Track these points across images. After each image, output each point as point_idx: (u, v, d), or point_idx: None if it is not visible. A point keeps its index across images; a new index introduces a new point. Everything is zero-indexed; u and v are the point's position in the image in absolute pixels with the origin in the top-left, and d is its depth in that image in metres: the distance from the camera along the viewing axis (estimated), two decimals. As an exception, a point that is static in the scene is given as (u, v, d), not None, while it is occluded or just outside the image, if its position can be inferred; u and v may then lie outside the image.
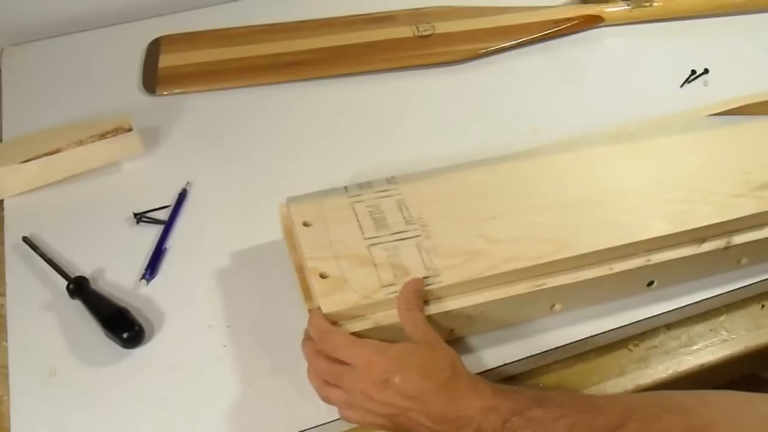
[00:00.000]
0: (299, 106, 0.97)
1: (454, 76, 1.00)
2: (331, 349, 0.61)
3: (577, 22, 1.04)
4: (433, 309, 0.65)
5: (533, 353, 0.69)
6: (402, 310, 0.63)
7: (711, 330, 0.74)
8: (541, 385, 0.68)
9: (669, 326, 0.74)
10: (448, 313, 0.66)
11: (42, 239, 0.79)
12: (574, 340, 0.69)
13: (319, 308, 0.63)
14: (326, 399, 0.63)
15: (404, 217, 0.72)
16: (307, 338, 0.65)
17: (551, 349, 0.69)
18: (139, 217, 0.81)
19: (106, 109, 0.94)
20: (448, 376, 0.58)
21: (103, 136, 0.85)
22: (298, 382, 0.66)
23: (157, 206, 0.82)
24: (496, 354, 0.68)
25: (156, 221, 0.81)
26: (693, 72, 0.98)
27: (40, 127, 0.90)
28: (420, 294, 0.64)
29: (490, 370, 0.68)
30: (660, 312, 0.72)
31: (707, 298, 0.73)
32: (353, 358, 0.60)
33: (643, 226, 0.70)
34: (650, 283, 0.72)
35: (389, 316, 0.65)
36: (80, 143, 0.84)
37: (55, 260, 0.76)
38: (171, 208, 0.82)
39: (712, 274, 0.74)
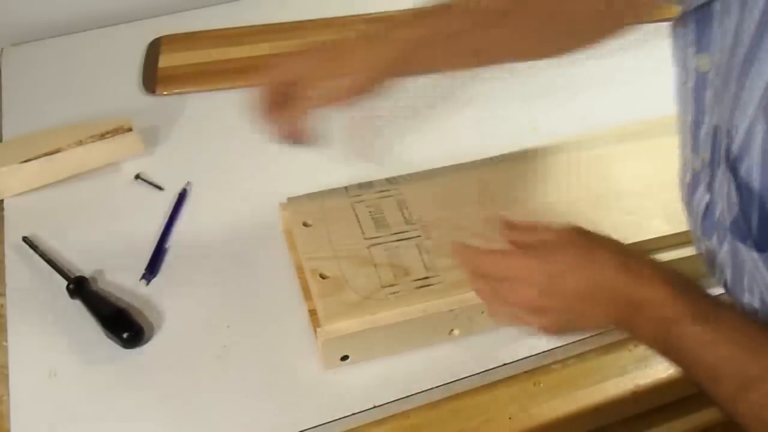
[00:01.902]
0: (299, 106, 0.97)
1: (454, 76, 1.00)
2: (491, 269, 0.58)
3: (577, 22, 1.04)
4: (433, 309, 0.65)
5: (533, 353, 0.69)
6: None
7: (711, 330, 0.74)
8: (541, 384, 0.69)
9: (669, 326, 0.74)
10: (448, 313, 0.66)
11: (42, 239, 0.79)
12: (574, 340, 0.69)
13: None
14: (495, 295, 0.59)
15: (404, 217, 0.72)
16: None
17: (551, 349, 0.69)
18: (138, 176, 0.83)
19: (106, 109, 0.94)
20: (623, 256, 0.54)
21: (103, 136, 0.85)
22: (298, 382, 0.66)
23: (157, 206, 0.83)
24: (496, 354, 0.68)
25: (154, 185, 0.82)
26: (693, 72, 0.98)
27: (40, 127, 0.90)
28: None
29: (489, 370, 0.68)
30: (660, 312, 0.72)
31: (707, 298, 0.73)
32: (509, 272, 0.57)
33: (643, 226, 0.71)
34: (650, 283, 0.72)
35: (390, 316, 0.65)
36: (80, 143, 0.84)
37: (55, 260, 0.76)
38: (171, 208, 0.82)
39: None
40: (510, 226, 0.61)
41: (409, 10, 0.62)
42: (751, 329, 0.51)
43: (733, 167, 0.47)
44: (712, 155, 0.50)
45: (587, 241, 0.57)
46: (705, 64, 0.48)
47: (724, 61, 0.45)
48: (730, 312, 0.52)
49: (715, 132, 0.49)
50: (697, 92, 0.50)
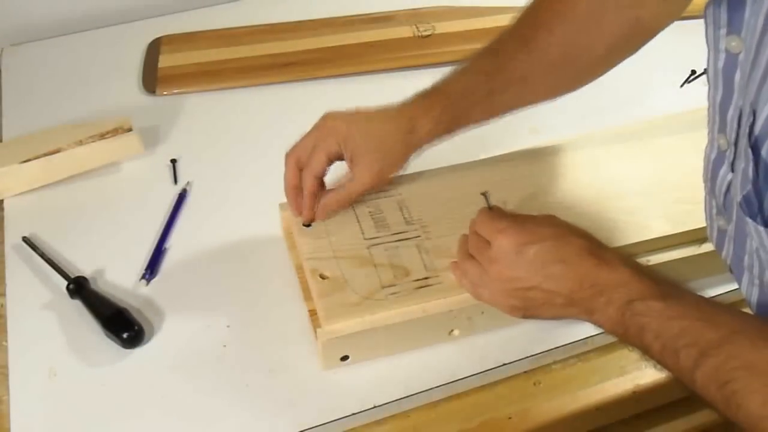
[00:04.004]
0: (299, 106, 0.97)
1: (454, 76, 1.00)
2: (478, 225, 0.62)
3: (577, 22, 1.04)
4: (433, 309, 0.65)
5: (533, 353, 0.69)
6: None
7: (711, 330, 0.74)
8: (541, 384, 0.69)
9: (669, 326, 0.74)
10: (448, 313, 0.66)
11: (42, 239, 0.79)
12: (574, 340, 0.69)
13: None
14: (463, 272, 0.63)
15: (404, 218, 0.72)
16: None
17: (551, 349, 0.69)
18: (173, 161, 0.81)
19: (106, 109, 0.94)
20: (592, 243, 0.58)
21: (103, 136, 0.85)
22: (298, 382, 0.66)
23: (156, 206, 0.83)
24: (496, 354, 0.68)
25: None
26: (693, 72, 0.98)
27: (40, 127, 0.90)
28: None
29: (489, 370, 0.68)
30: (660, 312, 0.72)
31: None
32: (488, 232, 0.60)
33: (643, 226, 0.71)
34: (650, 283, 0.72)
35: (390, 316, 0.65)
36: (80, 143, 0.84)
37: (55, 260, 0.76)
38: (171, 208, 0.82)
39: (712, 274, 0.74)
40: (498, 208, 0.65)
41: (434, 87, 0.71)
42: (709, 305, 0.53)
43: (754, 147, 0.48)
44: (738, 135, 0.51)
45: (562, 224, 0.61)
46: (736, 46, 0.49)
47: (755, 43, 0.46)
48: (689, 293, 0.54)
49: (741, 112, 0.49)
50: (726, 73, 0.51)
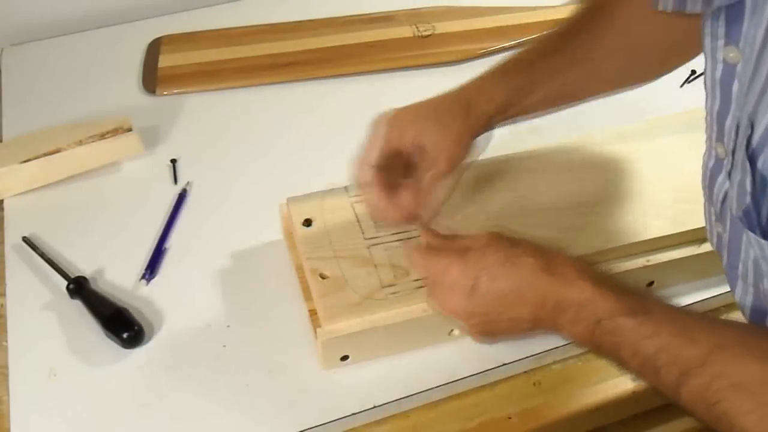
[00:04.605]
0: (299, 106, 0.97)
1: (454, 76, 0.99)
2: (417, 265, 0.60)
3: (577, 22, 1.04)
4: (433, 309, 0.65)
5: (533, 353, 0.69)
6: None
7: (711, 330, 0.74)
8: (541, 384, 0.69)
9: (669, 326, 0.74)
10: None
11: (42, 239, 0.79)
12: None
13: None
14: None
15: (404, 217, 0.72)
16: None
17: (551, 349, 0.69)
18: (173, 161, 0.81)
19: (106, 109, 0.94)
20: (542, 260, 0.56)
21: (103, 136, 0.85)
22: (298, 382, 0.66)
23: (156, 206, 0.83)
24: (496, 354, 0.68)
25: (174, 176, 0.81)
26: (693, 72, 0.98)
27: (40, 127, 0.90)
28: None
29: (489, 370, 0.68)
30: (660, 312, 0.72)
31: (707, 298, 0.73)
32: (432, 273, 0.59)
33: (643, 226, 0.71)
34: (650, 284, 0.72)
35: (390, 316, 0.65)
36: (80, 143, 0.84)
37: (55, 260, 0.76)
38: (171, 208, 0.82)
39: (712, 274, 0.74)
40: (432, 234, 0.64)
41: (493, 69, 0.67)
42: (684, 318, 0.51)
43: (752, 158, 0.48)
44: (735, 145, 0.50)
45: (508, 245, 0.58)
46: (734, 57, 0.49)
47: (754, 55, 0.46)
48: (659, 304, 0.53)
49: (739, 123, 0.49)
50: (724, 83, 0.51)
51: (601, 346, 0.53)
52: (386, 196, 0.64)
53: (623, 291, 0.53)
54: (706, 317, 0.53)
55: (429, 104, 0.66)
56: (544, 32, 0.68)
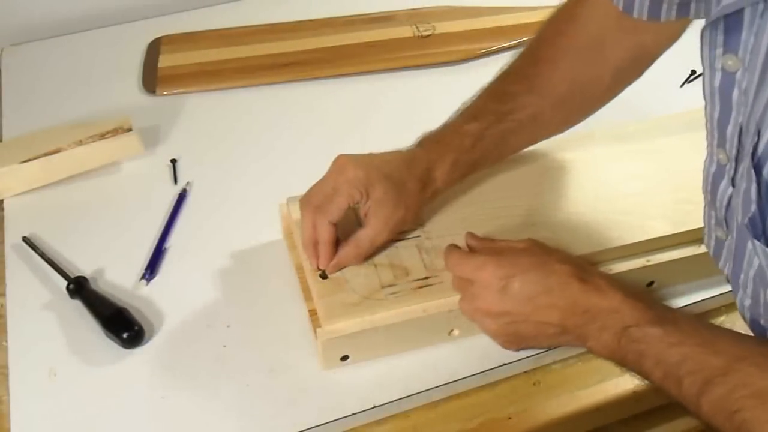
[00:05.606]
0: (299, 106, 0.97)
1: (454, 76, 1.00)
2: (453, 266, 0.62)
3: (577, 22, 1.04)
4: (433, 309, 0.65)
5: (533, 353, 0.69)
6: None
7: (711, 330, 0.74)
8: (541, 384, 0.69)
9: (669, 326, 0.74)
10: (448, 313, 0.66)
11: (42, 239, 0.79)
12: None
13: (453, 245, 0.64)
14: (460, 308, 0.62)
15: (404, 217, 0.72)
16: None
17: (551, 349, 0.69)
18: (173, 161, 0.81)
19: (106, 109, 0.94)
20: (576, 268, 0.57)
21: (103, 136, 0.85)
22: (298, 382, 0.66)
23: (156, 206, 0.83)
24: (496, 354, 0.68)
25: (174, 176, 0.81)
26: (693, 72, 0.98)
27: (40, 127, 0.90)
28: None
29: (489, 370, 0.68)
30: (660, 312, 0.72)
31: (707, 298, 0.73)
32: (467, 271, 0.60)
33: (643, 227, 0.71)
34: (650, 284, 0.72)
35: (390, 316, 0.65)
36: (80, 143, 0.84)
37: (55, 260, 0.76)
38: (171, 208, 0.82)
39: (712, 274, 0.74)
40: (471, 236, 0.65)
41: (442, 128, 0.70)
42: (708, 330, 0.53)
43: (757, 166, 0.48)
44: (738, 151, 0.51)
45: (543, 251, 0.60)
46: (732, 65, 0.49)
47: (759, 62, 0.46)
48: (685, 317, 0.54)
49: (741, 129, 0.49)
50: (723, 91, 0.51)
51: (626, 356, 0.54)
52: (315, 248, 0.66)
53: (651, 302, 0.55)
54: (730, 332, 0.54)
55: (390, 164, 0.66)
56: (483, 90, 0.70)
